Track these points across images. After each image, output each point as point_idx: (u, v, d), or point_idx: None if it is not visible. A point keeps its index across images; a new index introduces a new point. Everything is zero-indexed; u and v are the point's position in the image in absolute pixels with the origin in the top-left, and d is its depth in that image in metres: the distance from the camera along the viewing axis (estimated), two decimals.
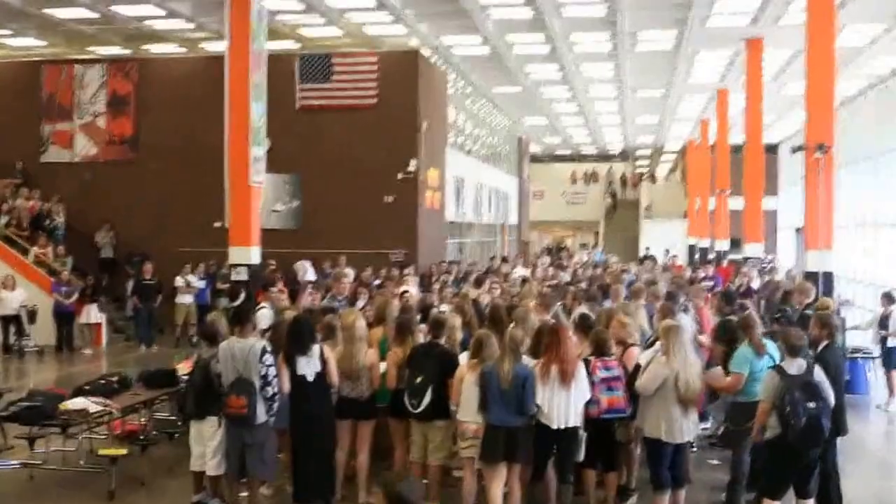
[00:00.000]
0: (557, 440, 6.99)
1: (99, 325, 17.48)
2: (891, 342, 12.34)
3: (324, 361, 7.41)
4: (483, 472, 7.02)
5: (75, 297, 16.96)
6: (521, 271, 17.76)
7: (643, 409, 7.39)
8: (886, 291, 13.49)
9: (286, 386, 7.30)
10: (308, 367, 7.31)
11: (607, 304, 10.47)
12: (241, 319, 7.38)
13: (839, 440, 7.60)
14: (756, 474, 7.41)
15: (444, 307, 10.19)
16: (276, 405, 7.12)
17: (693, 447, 8.35)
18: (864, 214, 28.22)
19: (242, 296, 12.68)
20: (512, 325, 8.05)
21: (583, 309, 9.77)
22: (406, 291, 11.99)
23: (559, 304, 10.25)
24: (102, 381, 9.12)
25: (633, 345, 7.89)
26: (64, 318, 16.96)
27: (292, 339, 7.43)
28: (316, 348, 7.42)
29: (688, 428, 7.30)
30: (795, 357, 6.66)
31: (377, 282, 14.46)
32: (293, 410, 7.36)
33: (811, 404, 6.44)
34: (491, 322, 8.52)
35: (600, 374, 7.31)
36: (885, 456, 10.12)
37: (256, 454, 7.12)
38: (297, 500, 7.42)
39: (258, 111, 14.08)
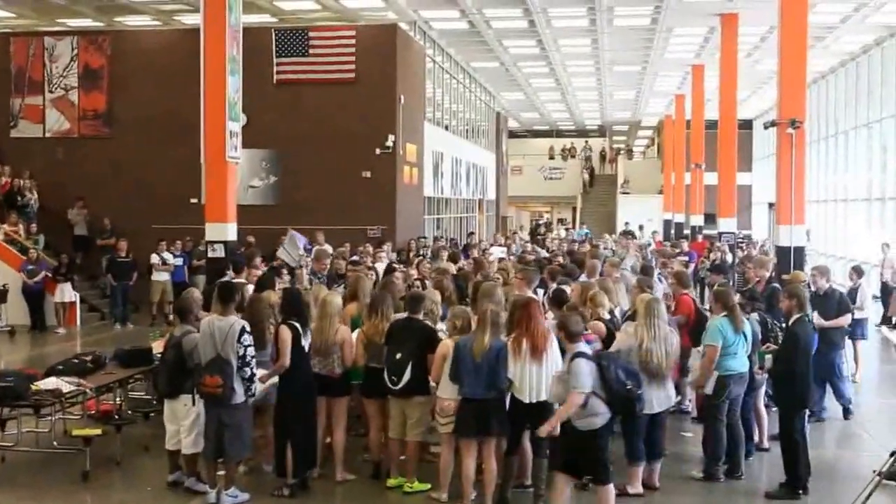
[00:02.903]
0: (530, 414, 7.00)
1: (73, 303, 17.31)
2: (857, 314, 12.56)
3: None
4: (458, 445, 7.08)
5: (41, 275, 16.80)
6: (497, 251, 17.72)
7: None
8: (856, 265, 13.72)
9: (287, 360, 7.19)
10: (306, 339, 7.37)
11: (583, 278, 10.56)
12: (223, 297, 7.29)
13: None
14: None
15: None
16: (254, 386, 7.09)
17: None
18: (834, 189, 28.56)
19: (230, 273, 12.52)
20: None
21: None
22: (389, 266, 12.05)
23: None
24: (76, 361, 9.01)
25: (598, 318, 7.99)
26: (33, 297, 16.80)
27: (299, 310, 7.41)
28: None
29: (658, 399, 7.42)
30: (578, 342, 6.62)
31: (355, 258, 14.48)
32: (291, 381, 7.29)
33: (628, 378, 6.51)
34: (473, 299, 8.47)
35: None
36: (852, 427, 10.29)
37: (234, 435, 7.08)
38: (280, 476, 7.42)
39: (234, 85, 13.95)
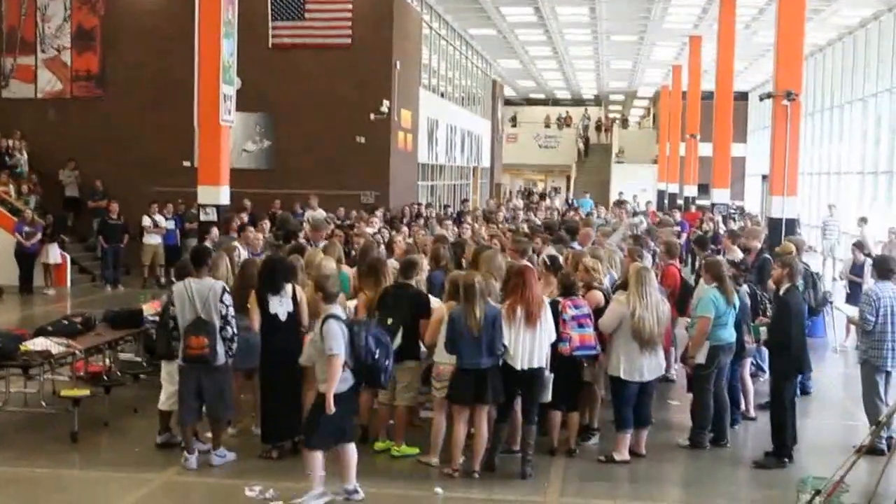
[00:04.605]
0: (522, 381, 7.09)
1: (59, 264, 17.14)
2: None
3: (296, 301, 7.43)
4: (450, 410, 7.13)
5: (38, 237, 16.69)
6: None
7: (608, 348, 7.59)
8: (857, 241, 13.78)
9: (256, 325, 7.30)
10: (280, 306, 7.33)
11: (575, 245, 10.57)
12: (196, 260, 7.33)
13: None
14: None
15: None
16: (234, 346, 7.13)
17: None
18: (828, 162, 28.61)
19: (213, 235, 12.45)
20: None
21: (551, 251, 9.86)
22: (378, 232, 12.03)
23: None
24: (65, 322, 8.98)
25: (596, 287, 7.99)
26: (27, 258, 16.66)
27: (265, 278, 7.41)
28: (289, 288, 7.42)
29: (650, 367, 7.49)
30: (333, 304, 6.53)
31: (349, 222, 14.51)
32: (265, 349, 7.35)
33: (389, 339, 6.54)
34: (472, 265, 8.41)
35: (570, 311, 7.39)
36: (839, 397, 10.37)
37: (217, 396, 7.11)
38: (266, 441, 7.45)
39: (229, 49, 13.85)
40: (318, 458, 6.43)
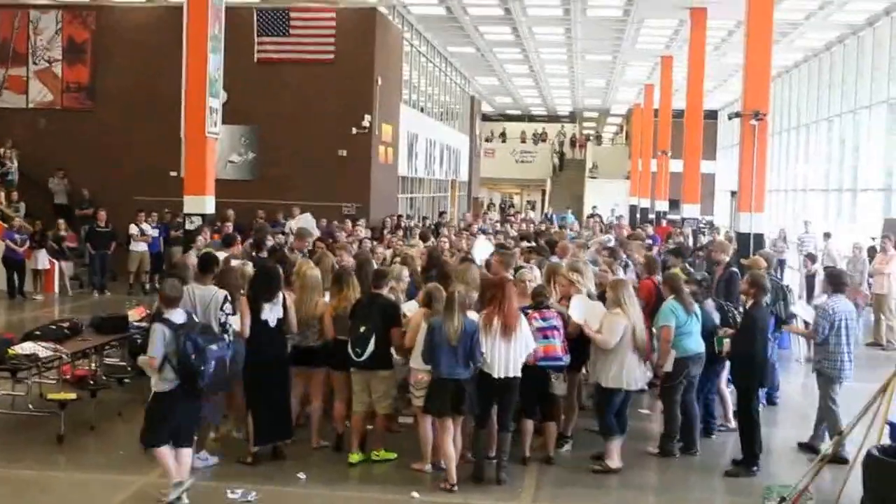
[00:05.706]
0: (499, 389, 7.24)
1: (48, 270, 17.38)
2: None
3: (285, 308, 7.58)
4: (434, 424, 7.26)
5: (27, 244, 16.87)
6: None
7: (597, 360, 7.73)
8: (809, 252, 14.27)
9: (247, 331, 7.37)
10: (271, 312, 7.46)
11: (554, 259, 10.82)
12: (203, 267, 7.54)
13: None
14: None
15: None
16: (230, 352, 7.10)
17: None
18: (794, 179, 29.39)
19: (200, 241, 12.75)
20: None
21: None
22: (362, 241, 12.41)
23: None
24: (53, 327, 9.11)
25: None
26: (15, 264, 16.85)
27: (261, 284, 7.57)
28: (280, 295, 7.60)
29: (641, 376, 7.74)
30: (172, 308, 6.61)
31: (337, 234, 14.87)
32: (253, 354, 7.39)
33: (214, 346, 6.53)
34: (439, 277, 8.44)
35: (535, 324, 7.50)
36: (803, 407, 10.44)
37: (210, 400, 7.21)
38: (260, 443, 7.53)
39: (215, 63, 14.22)
40: (163, 453, 6.51)
